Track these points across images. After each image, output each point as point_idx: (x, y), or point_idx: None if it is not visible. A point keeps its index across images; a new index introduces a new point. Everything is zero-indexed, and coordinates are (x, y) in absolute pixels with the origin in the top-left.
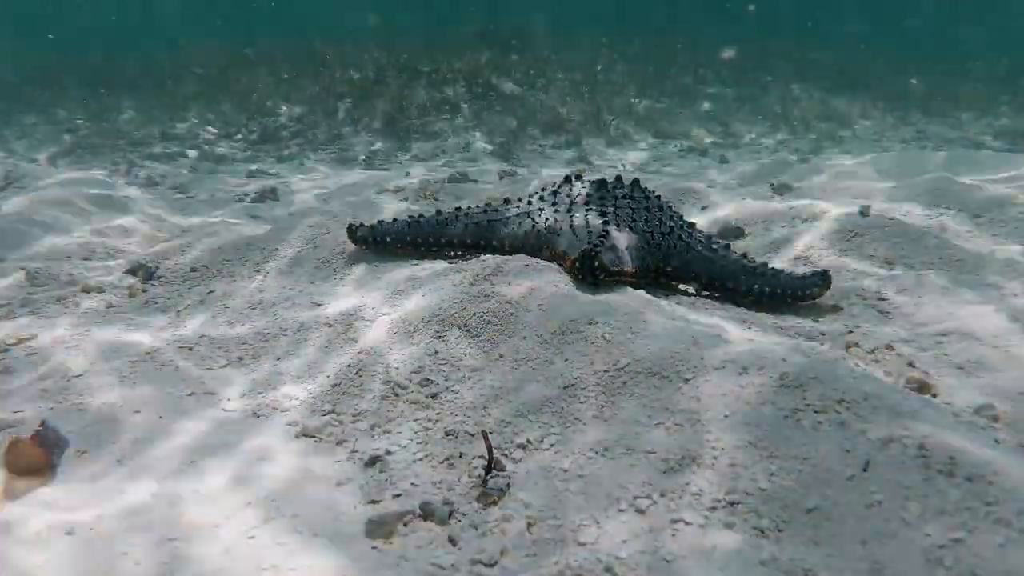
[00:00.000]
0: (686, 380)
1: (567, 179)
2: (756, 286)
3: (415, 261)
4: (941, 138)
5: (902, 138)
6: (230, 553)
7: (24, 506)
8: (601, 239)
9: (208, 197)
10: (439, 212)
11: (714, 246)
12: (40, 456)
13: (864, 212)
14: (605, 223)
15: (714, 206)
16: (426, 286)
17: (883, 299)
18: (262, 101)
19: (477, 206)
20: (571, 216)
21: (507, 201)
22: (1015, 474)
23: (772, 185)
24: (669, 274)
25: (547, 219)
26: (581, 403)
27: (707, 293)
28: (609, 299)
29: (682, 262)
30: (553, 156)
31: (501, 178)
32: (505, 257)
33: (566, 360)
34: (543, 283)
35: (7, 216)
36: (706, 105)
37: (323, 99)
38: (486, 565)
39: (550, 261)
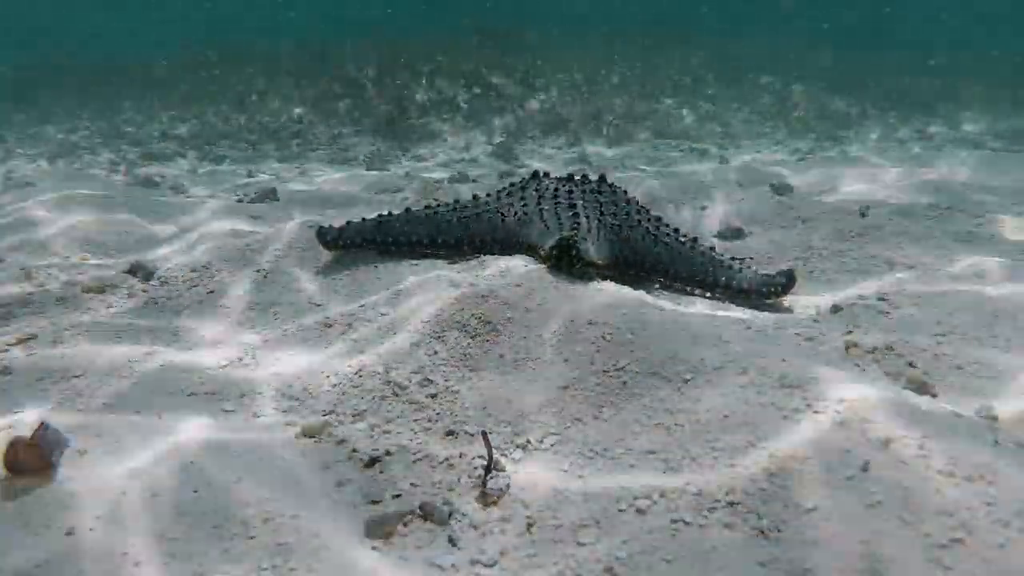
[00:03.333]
0: (686, 380)
1: (535, 175)
2: (723, 279)
3: (414, 261)
4: (941, 138)
5: (901, 138)
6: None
7: (24, 506)
8: (574, 229)
9: (208, 197)
10: (408, 210)
11: (681, 239)
12: (40, 456)
13: (864, 212)
14: (575, 215)
15: (714, 206)
16: (426, 286)
17: (883, 299)
18: (262, 101)
19: (447, 203)
20: (541, 210)
21: (475, 198)
22: (1015, 474)
23: (772, 186)
24: (638, 266)
25: (516, 213)
26: (581, 403)
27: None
28: (607, 297)
29: (651, 254)
30: (553, 156)
31: (501, 178)
32: (506, 258)
33: (565, 360)
34: (542, 283)
35: (7, 216)
36: (706, 105)
37: (323, 99)
38: (486, 565)
39: (522, 252)
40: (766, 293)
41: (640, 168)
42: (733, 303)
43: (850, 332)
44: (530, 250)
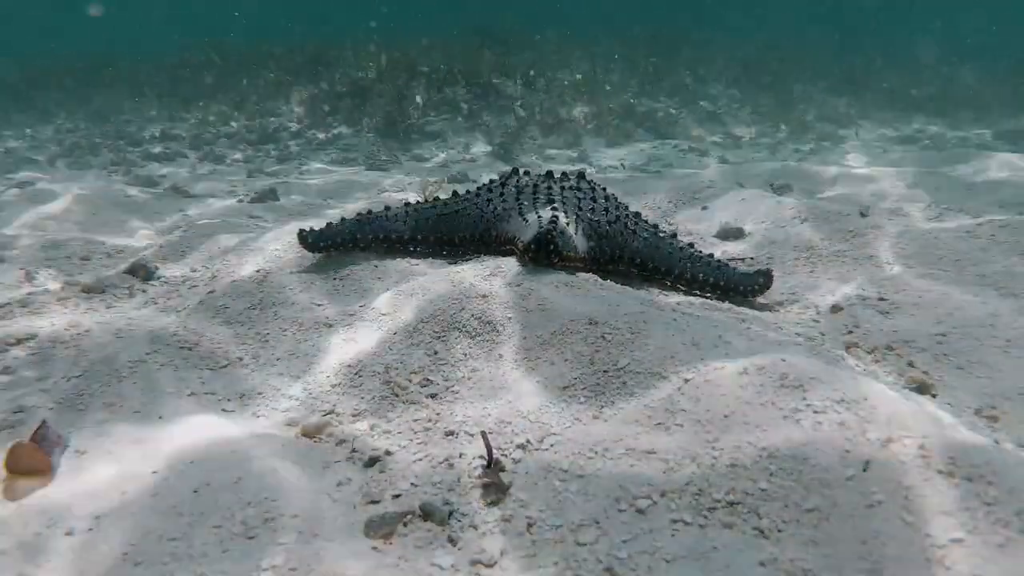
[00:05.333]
0: (686, 380)
1: (514, 171)
2: (701, 275)
3: (414, 261)
4: (941, 138)
5: (901, 139)
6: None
7: (24, 506)
8: (552, 223)
9: (208, 197)
10: (387, 208)
11: (660, 234)
12: (40, 456)
13: (864, 213)
14: (554, 210)
15: (714, 206)
16: (426, 286)
17: (883, 299)
18: (262, 101)
19: (426, 201)
20: (520, 205)
21: (455, 194)
22: (1015, 474)
23: (772, 185)
24: (617, 260)
25: (495, 209)
26: (581, 403)
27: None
28: (608, 296)
29: (629, 249)
30: (553, 156)
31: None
32: (505, 257)
33: (566, 360)
34: (542, 282)
35: (7, 216)
36: (706, 105)
37: (323, 99)
38: (486, 565)
39: (500, 246)
40: (744, 291)
41: (640, 167)
42: (727, 300)
43: (850, 332)
44: (509, 244)
